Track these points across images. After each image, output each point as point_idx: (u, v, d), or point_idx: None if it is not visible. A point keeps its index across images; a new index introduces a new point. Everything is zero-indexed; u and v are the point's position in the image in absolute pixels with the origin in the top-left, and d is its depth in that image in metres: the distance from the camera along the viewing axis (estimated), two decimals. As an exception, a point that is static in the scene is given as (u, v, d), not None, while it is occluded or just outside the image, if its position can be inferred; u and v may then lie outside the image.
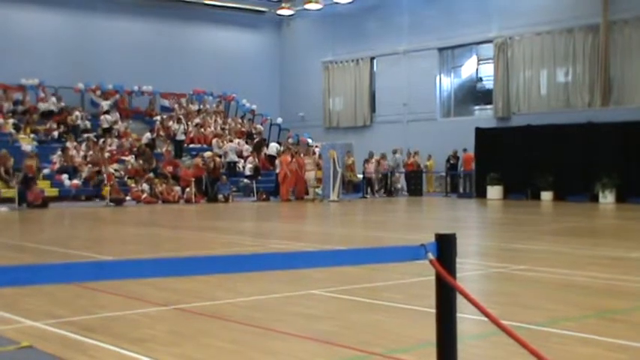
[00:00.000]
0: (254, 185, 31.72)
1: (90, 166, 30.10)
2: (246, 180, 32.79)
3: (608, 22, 30.47)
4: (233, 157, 34.47)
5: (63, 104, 35.36)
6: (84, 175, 29.66)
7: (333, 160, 29.58)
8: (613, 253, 11.60)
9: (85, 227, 18.70)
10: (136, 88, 38.00)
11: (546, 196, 28.09)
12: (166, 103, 38.71)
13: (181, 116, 36.84)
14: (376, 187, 34.12)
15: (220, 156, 33.66)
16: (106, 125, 34.75)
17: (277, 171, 31.42)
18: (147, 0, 39.13)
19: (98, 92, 36.82)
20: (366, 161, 33.85)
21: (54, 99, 35.32)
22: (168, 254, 11.54)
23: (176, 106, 38.68)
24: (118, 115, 36.14)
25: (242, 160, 34.95)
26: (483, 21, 34.45)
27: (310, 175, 30.69)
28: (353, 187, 34.49)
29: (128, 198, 28.31)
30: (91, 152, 31.23)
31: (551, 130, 28.38)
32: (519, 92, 33.56)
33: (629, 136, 26.29)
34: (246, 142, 37.05)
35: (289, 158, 31.04)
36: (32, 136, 32.17)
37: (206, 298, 7.68)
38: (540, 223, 19.41)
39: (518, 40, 33.63)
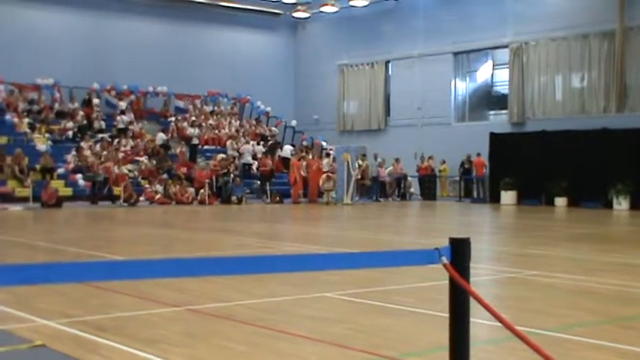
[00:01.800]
0: (267, 187, 31.75)
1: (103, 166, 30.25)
2: (259, 182, 32.82)
3: (624, 28, 30.32)
4: (248, 158, 34.53)
5: (77, 104, 35.53)
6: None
7: (347, 163, 29.57)
8: (626, 259, 11.54)
9: (98, 227, 18.77)
10: (150, 88, 38.12)
11: (560, 201, 27.99)
12: (181, 104, 38.78)
13: (195, 117, 36.95)
14: (389, 191, 34.10)
15: (235, 158, 33.73)
16: (121, 126, 34.88)
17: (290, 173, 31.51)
18: (162, 1, 39.28)
19: (113, 92, 36.97)
20: (380, 165, 33.82)
21: (72, 103, 35.57)
22: (180, 255, 11.56)
23: (190, 107, 38.76)
24: (132, 115, 36.28)
25: (256, 162, 34.99)
26: (499, 26, 34.35)
27: (330, 179, 30.33)
28: (366, 191, 34.43)
29: (142, 198, 28.39)
30: (105, 152, 31.36)
31: (566, 135, 28.28)
32: (534, 97, 33.44)
33: (644, 143, 26.17)
34: (260, 144, 37.09)
35: (300, 161, 31.07)
36: (47, 135, 32.32)
37: (218, 300, 7.69)
38: (554, 229, 19.35)
39: (533, 45, 33.52)
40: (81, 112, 34.76)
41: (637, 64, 30.30)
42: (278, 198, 30.64)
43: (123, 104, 36.17)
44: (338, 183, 30.20)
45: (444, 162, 35.31)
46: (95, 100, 35.67)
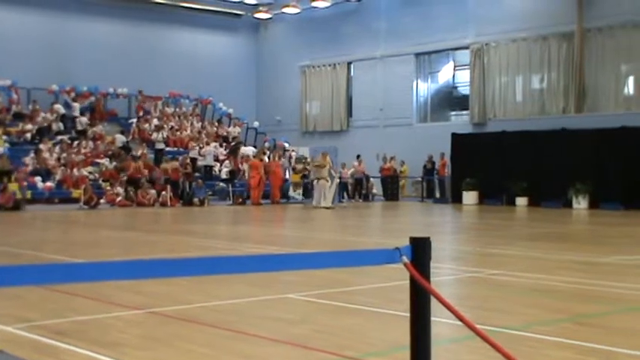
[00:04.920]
0: (230, 189, 31.63)
1: (63, 168, 29.87)
2: (222, 184, 32.69)
3: (582, 29, 30.75)
4: (210, 160, 34.37)
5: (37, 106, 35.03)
6: (57, 177, 29.42)
7: (329, 164, 28.59)
8: (585, 258, 11.69)
9: (58, 230, 18.53)
10: (111, 90, 37.76)
11: (521, 201, 28.28)
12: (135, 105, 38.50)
13: (157, 120, 36.69)
14: (351, 192, 34.19)
15: (196, 159, 33.55)
16: (80, 127, 34.49)
17: (247, 175, 31.34)
18: (124, 2, 38.94)
19: (73, 94, 36.53)
20: (342, 166, 33.87)
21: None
22: (142, 258, 11.46)
23: (152, 109, 38.46)
24: (92, 117, 35.88)
25: (218, 164, 34.87)
26: (460, 27, 34.62)
27: (322, 181, 28.16)
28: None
29: (102, 201, 28.11)
30: (64, 154, 30.98)
31: (526, 136, 28.58)
32: (495, 98, 33.77)
33: (602, 143, 26.55)
34: (222, 146, 36.96)
35: (259, 162, 30.99)
36: (4, 137, 31.82)
37: (180, 302, 7.64)
38: (514, 229, 19.56)
39: (494, 46, 33.85)
40: (42, 114, 34.27)
41: (595, 65, 30.76)
42: (241, 200, 30.54)
43: (77, 105, 35.68)
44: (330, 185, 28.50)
45: (404, 163, 35.44)
46: (56, 106, 35.11)
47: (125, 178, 29.82)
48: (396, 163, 35.03)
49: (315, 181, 28.80)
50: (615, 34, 30.23)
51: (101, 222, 21.50)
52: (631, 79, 30.33)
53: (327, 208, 27.23)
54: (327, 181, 27.92)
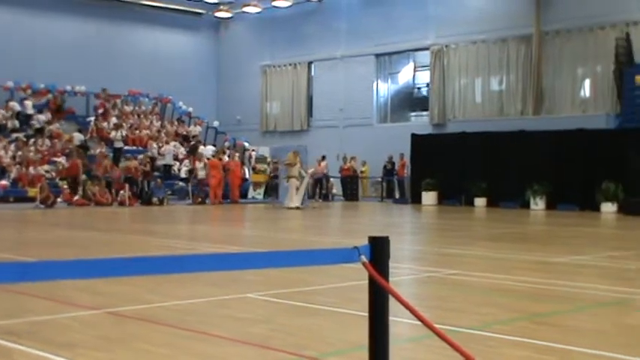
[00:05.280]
0: (189, 188, 31.44)
1: (19, 166, 29.43)
2: (181, 183, 32.48)
3: (540, 32, 31.15)
4: (170, 159, 34.11)
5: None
6: (12, 175, 28.98)
7: (298, 164, 27.60)
8: (541, 257, 11.83)
9: (11, 229, 18.24)
10: (69, 88, 37.29)
11: (480, 202, 28.53)
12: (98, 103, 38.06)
13: (116, 118, 36.33)
14: (311, 192, 34.18)
15: (155, 158, 33.30)
16: (37, 125, 34.01)
17: (205, 174, 31.17)
18: (83, -1, 38.52)
19: (29, 91, 35.99)
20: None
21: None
22: (99, 257, 11.30)
23: (110, 106, 38.05)
24: (50, 115, 35.41)
25: (177, 163, 34.64)
26: (420, 28, 34.84)
27: (293, 180, 27.18)
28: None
29: (59, 200, 27.74)
30: (20, 152, 30.52)
31: (485, 137, 28.84)
32: (455, 99, 34.06)
33: (559, 145, 26.90)
34: (182, 145, 36.73)
35: (218, 162, 30.88)
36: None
37: (138, 302, 7.55)
38: (473, 229, 19.72)
39: (454, 48, 34.12)
40: (1, 112, 33.73)
41: (553, 68, 31.18)
42: (200, 199, 30.37)
43: (29, 103, 35.14)
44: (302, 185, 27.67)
45: (365, 163, 35.58)
46: (12, 103, 34.61)
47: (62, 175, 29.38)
48: (357, 164, 35.13)
49: (285, 180, 28.13)
50: (572, 38, 30.68)
51: (58, 221, 21.21)
52: (587, 82, 30.82)
53: (296, 208, 26.57)
54: (298, 180, 27.23)
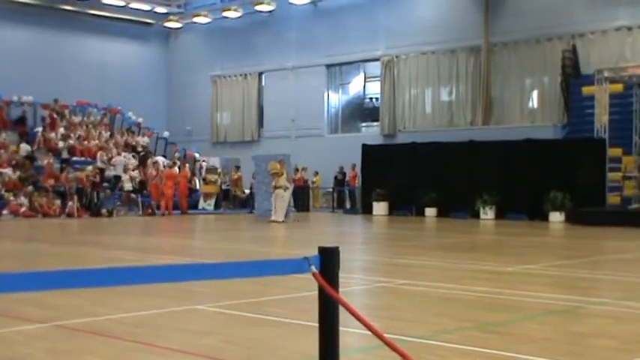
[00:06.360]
0: (139, 199, 31.11)
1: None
2: (132, 195, 32.11)
3: (489, 44, 31.60)
4: (120, 170, 33.69)
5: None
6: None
7: (286, 173, 25.84)
8: (491, 267, 11.95)
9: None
10: (15, 98, 36.64)
11: (430, 212, 28.74)
12: (47, 114, 37.44)
13: (63, 128, 35.78)
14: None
15: (104, 169, 32.86)
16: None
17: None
18: (29, 7, 37.91)
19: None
20: (253, 177, 33.71)
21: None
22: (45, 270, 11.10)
23: (57, 117, 37.44)
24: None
25: (128, 175, 34.18)
26: (371, 39, 35.07)
27: (279, 191, 25.22)
28: (240, 203, 34.41)
29: (5, 212, 27.23)
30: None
31: (435, 147, 29.08)
32: (405, 110, 34.33)
33: (508, 155, 27.25)
34: (132, 156, 36.30)
35: (174, 172, 30.68)
36: None
37: (86, 314, 7.44)
38: (423, 239, 19.86)
39: (404, 59, 34.41)
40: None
41: (501, 79, 31.66)
42: (150, 210, 30.08)
43: None
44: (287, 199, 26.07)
45: (317, 173, 35.63)
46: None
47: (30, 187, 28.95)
48: (308, 174, 35.15)
49: (270, 190, 26.18)
50: (520, 49, 31.20)
51: (3, 233, 20.79)
52: (535, 93, 31.35)
53: (278, 222, 24.58)
54: (284, 190, 25.43)
